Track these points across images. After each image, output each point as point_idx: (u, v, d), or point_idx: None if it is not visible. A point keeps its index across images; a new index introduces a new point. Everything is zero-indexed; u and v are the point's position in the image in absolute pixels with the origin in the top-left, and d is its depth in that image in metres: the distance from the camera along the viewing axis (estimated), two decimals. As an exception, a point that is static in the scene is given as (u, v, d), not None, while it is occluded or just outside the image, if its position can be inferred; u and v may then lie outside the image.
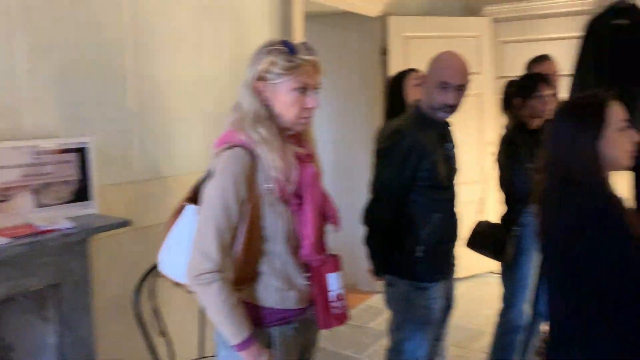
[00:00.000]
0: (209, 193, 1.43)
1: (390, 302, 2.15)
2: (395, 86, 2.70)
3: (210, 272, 1.39)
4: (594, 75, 3.88)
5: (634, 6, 3.77)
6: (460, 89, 1.98)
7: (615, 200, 1.43)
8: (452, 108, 2.01)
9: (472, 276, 4.29)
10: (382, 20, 4.04)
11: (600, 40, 3.86)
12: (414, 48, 4.03)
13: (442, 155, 2.05)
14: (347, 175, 4.19)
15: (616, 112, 1.43)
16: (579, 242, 1.38)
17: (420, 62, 2.11)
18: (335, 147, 4.35)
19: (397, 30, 4.05)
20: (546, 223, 1.51)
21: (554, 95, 2.57)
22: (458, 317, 3.65)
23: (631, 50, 3.72)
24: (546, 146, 1.53)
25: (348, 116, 4.27)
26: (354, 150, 4.22)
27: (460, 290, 4.14)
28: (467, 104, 4.32)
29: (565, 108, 1.52)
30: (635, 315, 1.37)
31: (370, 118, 4.06)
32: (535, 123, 2.53)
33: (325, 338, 3.46)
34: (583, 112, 1.46)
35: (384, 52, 4.06)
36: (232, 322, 1.41)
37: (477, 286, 4.19)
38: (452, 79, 1.95)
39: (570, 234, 1.40)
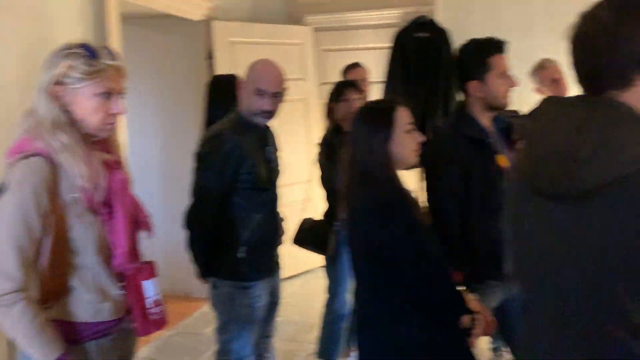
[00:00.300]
0: (5, 208, 1.33)
1: (215, 304, 2.18)
2: (216, 90, 2.73)
3: (11, 293, 1.30)
4: (401, 82, 4.33)
5: (432, 21, 4.27)
6: (277, 95, 2.08)
7: (405, 194, 1.62)
8: (269, 114, 2.10)
9: (305, 272, 4.49)
10: (206, 25, 4.04)
11: (405, 50, 4.31)
12: (240, 53, 4.09)
13: (262, 158, 2.13)
14: (177, 181, 4.10)
15: (403, 116, 1.63)
16: (376, 231, 1.55)
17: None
18: (164, 152, 4.25)
19: (222, 35, 4.08)
20: (351, 216, 1.66)
21: (362, 99, 2.81)
22: (291, 313, 3.82)
23: (430, 60, 4.20)
24: (348, 146, 1.69)
25: (175, 120, 4.19)
26: (182, 155, 4.13)
27: (294, 287, 4.34)
28: (294, 108, 4.55)
29: (361, 112, 1.69)
30: (426, 293, 1.57)
31: (197, 122, 4.02)
32: (350, 125, 2.74)
33: (159, 349, 3.38)
34: (375, 116, 1.64)
35: (210, 56, 4.07)
36: (40, 342, 1.33)
37: (310, 281, 4.39)
38: (267, 87, 2.04)
39: (368, 224, 1.57)
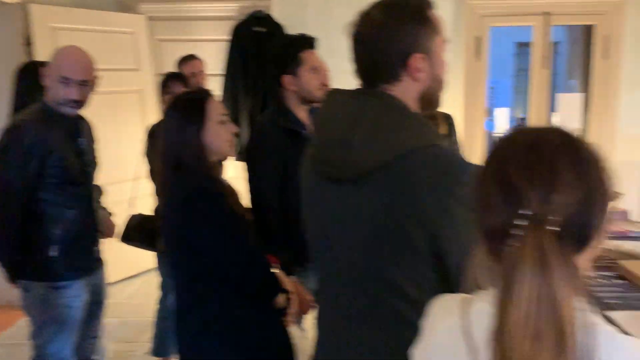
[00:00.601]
0: None
1: (28, 307, 2.04)
2: (25, 77, 2.53)
3: None
4: (241, 75, 4.36)
5: (269, 16, 4.35)
6: (84, 84, 1.98)
7: (219, 183, 1.66)
8: (77, 103, 1.99)
9: (145, 272, 4.33)
10: (22, 8, 3.70)
11: (243, 44, 4.34)
12: (64, 41, 3.75)
13: (73, 150, 2.02)
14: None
15: (215, 107, 1.66)
16: (189, 220, 1.56)
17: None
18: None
19: (42, 20, 3.76)
20: (165, 206, 1.66)
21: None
22: (128, 313, 3.69)
23: (268, 54, 4.28)
24: (161, 137, 1.67)
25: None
26: None
27: (132, 288, 4.19)
28: (128, 100, 4.35)
29: (173, 104, 1.69)
30: (240, 278, 1.61)
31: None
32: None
33: (-27, 365, 3.05)
34: (187, 107, 1.64)
35: (28, 42, 3.73)
36: None
37: (150, 281, 4.24)
38: (73, 74, 1.93)
39: (183, 213, 1.57)
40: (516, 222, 0.63)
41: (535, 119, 4.54)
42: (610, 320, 1.43)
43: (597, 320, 0.65)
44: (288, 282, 1.77)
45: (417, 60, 1.11)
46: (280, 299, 1.70)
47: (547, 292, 0.58)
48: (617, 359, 0.62)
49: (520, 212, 0.63)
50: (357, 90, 1.18)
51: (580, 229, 0.64)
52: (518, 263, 0.60)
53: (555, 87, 7.42)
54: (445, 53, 1.20)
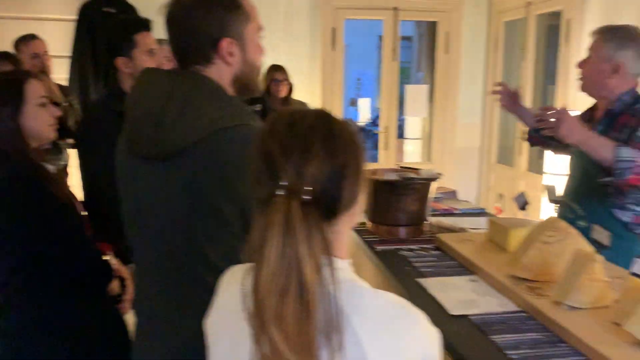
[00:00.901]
0: None
1: None
2: None
3: None
4: (90, 58, 4.12)
5: (121, -3, 4.16)
6: None
7: (38, 169, 1.57)
8: None
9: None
10: None
11: (93, 26, 4.10)
12: None
13: None
14: None
15: (34, 88, 1.57)
16: (3, 210, 1.47)
17: None
18: None
19: None
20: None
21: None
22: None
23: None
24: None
25: None
26: None
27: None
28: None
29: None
30: (66, 266, 1.55)
31: None
32: None
33: None
34: (2, 88, 1.54)
35: None
36: None
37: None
38: None
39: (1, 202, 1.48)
40: (277, 192, 0.69)
41: (386, 109, 4.84)
42: (422, 287, 1.60)
43: (347, 277, 0.74)
44: (123, 269, 1.74)
45: (227, 45, 1.14)
46: (114, 286, 1.67)
47: (291, 253, 0.65)
48: (360, 308, 0.70)
49: (280, 183, 0.69)
50: (171, 70, 1.20)
51: (330, 200, 0.72)
52: (268, 227, 0.66)
53: (409, 79, 7.95)
54: (261, 39, 1.25)
